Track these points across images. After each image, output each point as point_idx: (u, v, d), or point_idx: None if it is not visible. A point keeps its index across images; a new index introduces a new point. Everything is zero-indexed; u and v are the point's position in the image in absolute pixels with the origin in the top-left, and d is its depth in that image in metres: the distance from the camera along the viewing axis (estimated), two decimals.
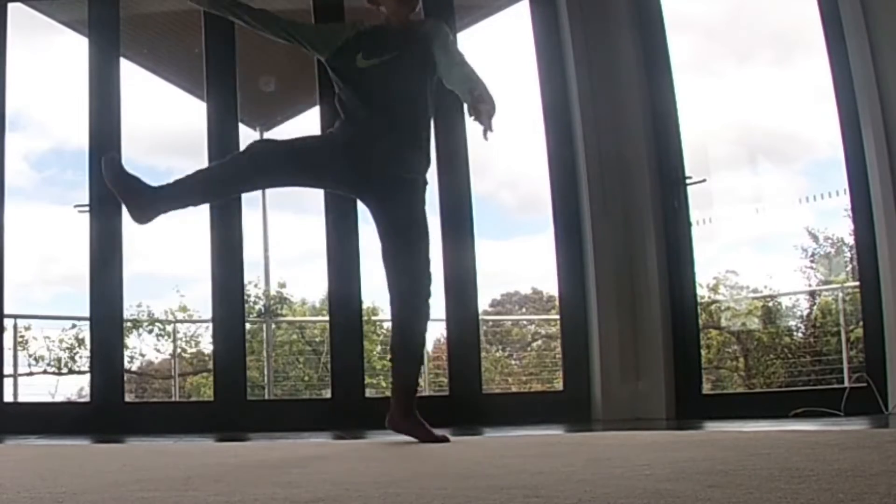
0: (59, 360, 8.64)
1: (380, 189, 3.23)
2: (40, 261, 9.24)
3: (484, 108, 2.89)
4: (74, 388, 8.49)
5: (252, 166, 3.10)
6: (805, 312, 8.23)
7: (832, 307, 7.81)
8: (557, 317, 5.23)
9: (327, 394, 5.24)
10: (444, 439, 3.11)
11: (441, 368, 8.17)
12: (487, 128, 2.91)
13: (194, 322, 9.23)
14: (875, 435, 2.90)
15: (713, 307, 8.10)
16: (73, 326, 8.53)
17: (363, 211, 4.88)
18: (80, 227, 4.83)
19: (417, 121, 3.25)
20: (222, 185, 3.16)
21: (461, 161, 4.92)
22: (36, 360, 8.51)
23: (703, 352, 5.26)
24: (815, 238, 8.31)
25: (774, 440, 2.69)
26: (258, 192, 8.33)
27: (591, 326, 4.80)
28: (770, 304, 8.27)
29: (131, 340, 8.68)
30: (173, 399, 8.43)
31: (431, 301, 3.27)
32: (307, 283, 10.30)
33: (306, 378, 9.13)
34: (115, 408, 4.74)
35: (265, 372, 8.67)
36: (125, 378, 5.32)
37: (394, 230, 3.22)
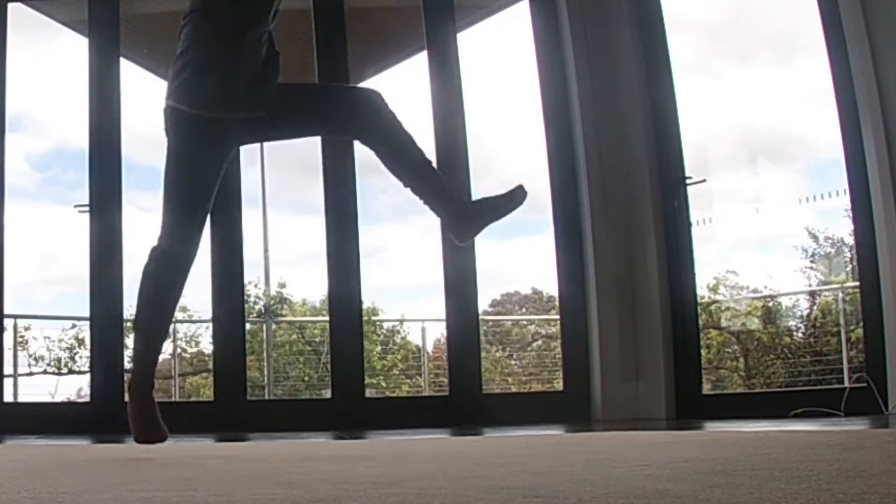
0: (59, 360, 8.63)
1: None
2: (41, 261, 9.23)
3: None
4: (74, 388, 8.49)
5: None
6: (805, 312, 8.23)
7: (832, 307, 7.81)
8: (557, 317, 5.23)
9: (327, 394, 5.24)
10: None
11: (441, 368, 8.16)
12: None
13: (194, 322, 9.22)
14: (875, 435, 2.90)
15: (713, 307, 8.09)
16: (73, 326, 8.53)
17: (363, 211, 4.93)
18: (81, 227, 4.83)
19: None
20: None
21: (461, 161, 4.92)
22: (36, 360, 8.50)
23: (703, 352, 5.26)
24: (815, 238, 8.31)
25: (774, 440, 2.69)
26: (258, 192, 8.34)
27: (591, 326, 4.80)
28: (770, 304, 8.26)
29: (131, 340, 8.66)
30: (173, 399, 8.43)
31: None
32: (307, 283, 10.29)
33: (306, 378, 9.13)
34: (115, 408, 4.72)
35: (265, 372, 8.67)
36: (125, 378, 5.31)
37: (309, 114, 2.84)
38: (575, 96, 4.92)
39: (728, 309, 8.27)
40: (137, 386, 2.83)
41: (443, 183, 2.79)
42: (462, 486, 1.73)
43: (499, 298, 10.75)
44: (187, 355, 9.17)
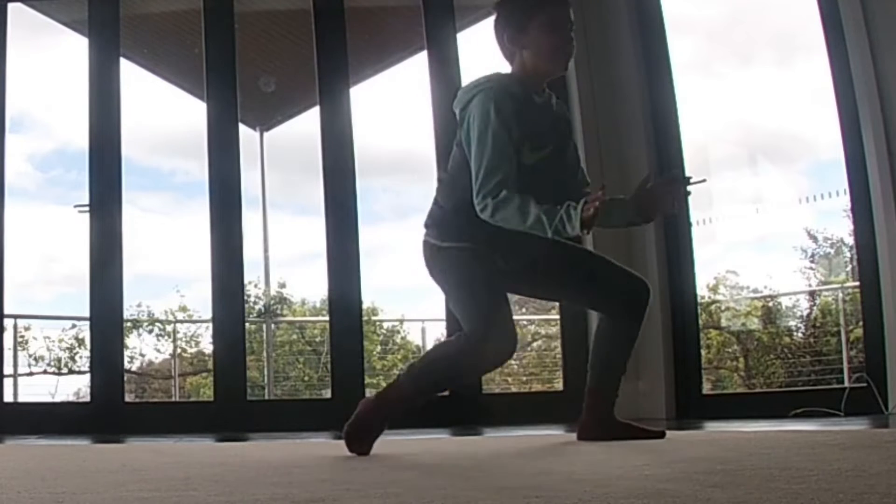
0: (59, 360, 8.64)
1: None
2: (43, 261, 9.25)
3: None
4: (74, 388, 8.49)
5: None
6: (805, 312, 8.24)
7: (832, 307, 7.82)
8: (557, 317, 5.23)
9: (327, 394, 5.24)
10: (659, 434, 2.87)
11: None
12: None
13: (194, 322, 9.23)
14: (875, 435, 2.90)
15: (713, 307, 8.10)
16: (73, 326, 8.55)
17: (363, 212, 4.93)
18: (82, 227, 4.83)
19: None
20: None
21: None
22: (36, 360, 8.52)
23: (703, 352, 5.26)
24: (814, 238, 8.32)
25: (774, 440, 2.69)
26: (258, 192, 8.34)
27: (591, 326, 4.79)
28: (770, 304, 8.27)
29: (131, 340, 8.68)
30: (173, 399, 8.43)
31: None
32: (307, 283, 10.30)
33: (306, 378, 9.14)
34: (115, 408, 4.74)
35: (265, 372, 8.68)
36: (125, 378, 5.32)
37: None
38: (575, 96, 4.91)
39: (728, 309, 8.28)
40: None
41: (615, 388, 2.94)
42: (462, 486, 1.73)
43: None
44: (187, 355, 9.17)
